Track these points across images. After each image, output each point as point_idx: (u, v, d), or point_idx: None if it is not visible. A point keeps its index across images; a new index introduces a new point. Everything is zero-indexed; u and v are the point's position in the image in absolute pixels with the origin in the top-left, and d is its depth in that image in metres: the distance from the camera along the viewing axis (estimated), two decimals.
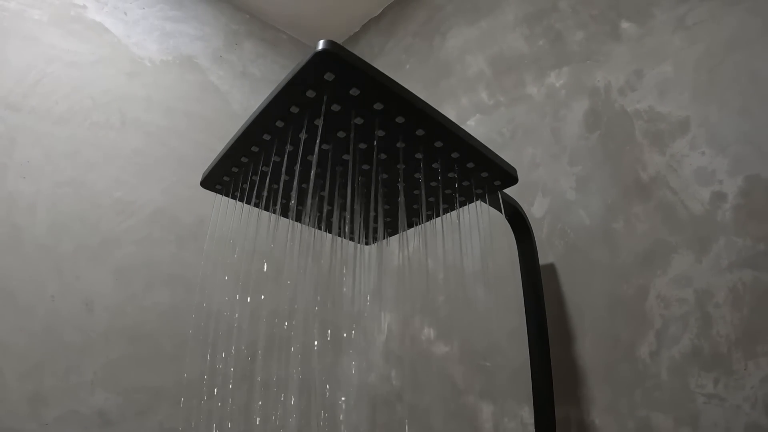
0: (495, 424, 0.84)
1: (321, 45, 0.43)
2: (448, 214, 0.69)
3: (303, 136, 0.49)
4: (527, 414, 0.78)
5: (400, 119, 0.51)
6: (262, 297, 1.13)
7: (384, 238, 0.71)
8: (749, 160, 0.65)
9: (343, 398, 1.17)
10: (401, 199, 0.61)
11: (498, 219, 0.80)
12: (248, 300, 1.11)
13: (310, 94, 0.46)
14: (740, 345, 0.61)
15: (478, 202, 0.68)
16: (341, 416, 1.14)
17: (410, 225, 0.67)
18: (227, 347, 1.07)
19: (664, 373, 0.66)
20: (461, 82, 1.11)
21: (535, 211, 0.87)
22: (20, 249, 0.96)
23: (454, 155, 0.57)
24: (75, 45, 1.13)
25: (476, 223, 0.80)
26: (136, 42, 1.22)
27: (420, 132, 0.53)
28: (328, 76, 0.45)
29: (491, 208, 0.72)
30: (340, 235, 0.70)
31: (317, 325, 1.22)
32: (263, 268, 1.09)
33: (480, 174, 0.61)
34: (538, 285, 0.75)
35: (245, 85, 1.39)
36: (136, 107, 1.16)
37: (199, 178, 0.66)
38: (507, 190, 0.72)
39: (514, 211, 0.74)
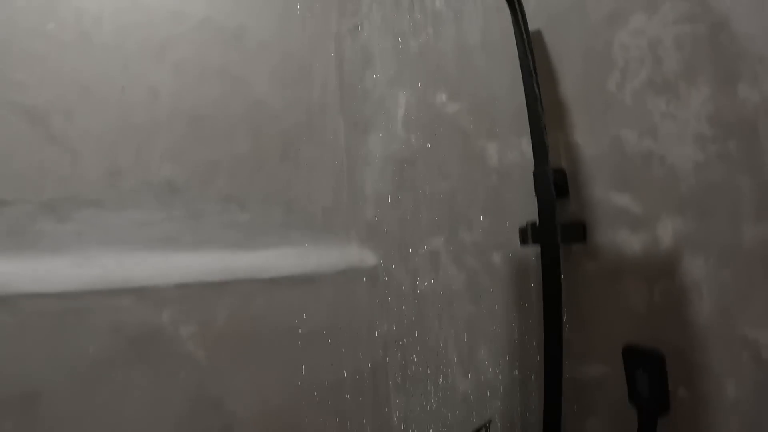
0: (500, 158, 1.06)
1: None
2: None
3: None
4: (525, 144, 0.98)
5: None
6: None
7: None
8: None
9: (369, 167, 1.35)
10: None
11: None
12: (285, 92, 1.28)
13: None
14: (684, 77, 0.78)
15: None
16: (369, 183, 1.34)
17: None
18: (269, 129, 1.26)
19: (628, 99, 0.85)
20: None
21: None
22: (91, 51, 1.08)
23: None
24: None
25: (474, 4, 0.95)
26: None
27: None
28: None
29: None
30: None
31: (344, 112, 1.40)
32: (296, 66, 1.25)
33: None
34: (527, 43, 0.93)
35: None
36: None
37: None
38: None
39: None
